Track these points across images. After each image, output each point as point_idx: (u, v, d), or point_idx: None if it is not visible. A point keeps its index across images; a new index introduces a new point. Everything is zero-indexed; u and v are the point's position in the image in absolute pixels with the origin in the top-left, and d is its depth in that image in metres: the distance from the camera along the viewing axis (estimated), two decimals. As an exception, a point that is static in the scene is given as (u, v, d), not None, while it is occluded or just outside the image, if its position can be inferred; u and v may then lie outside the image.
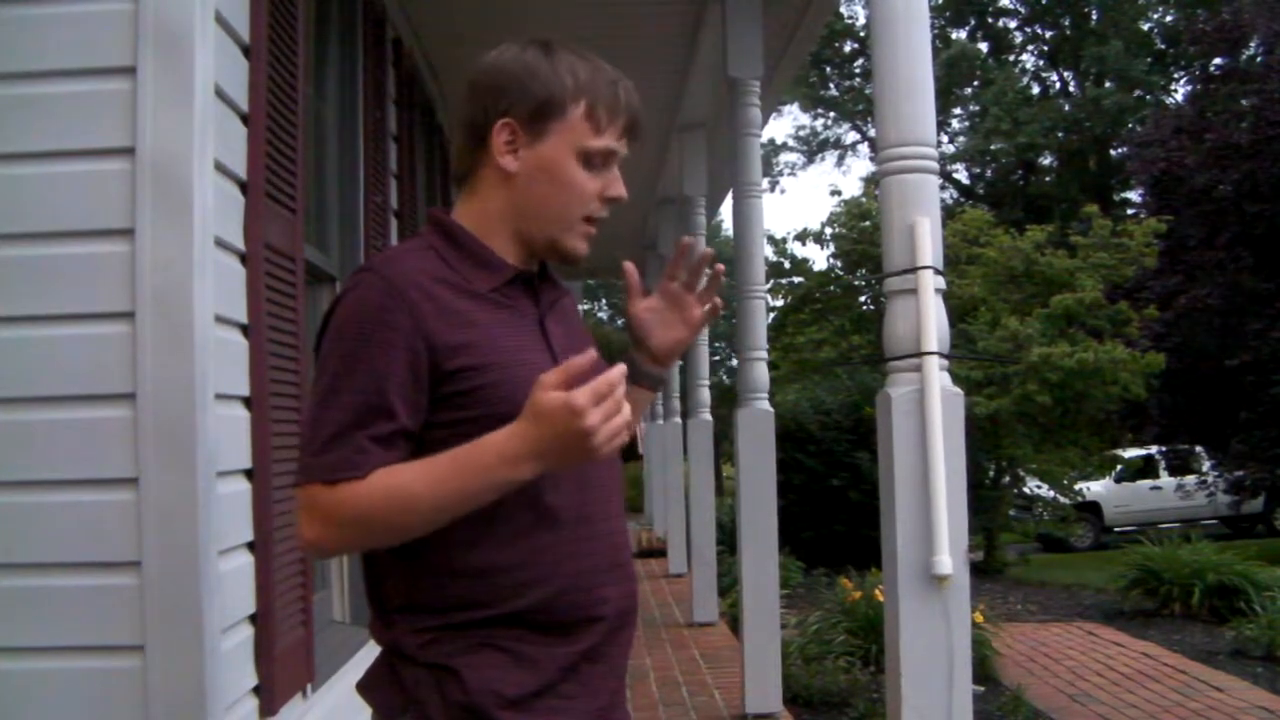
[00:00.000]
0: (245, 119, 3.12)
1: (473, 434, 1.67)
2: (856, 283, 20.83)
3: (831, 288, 21.00)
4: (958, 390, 2.88)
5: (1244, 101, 18.81)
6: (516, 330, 1.80)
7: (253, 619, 3.06)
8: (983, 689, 7.04)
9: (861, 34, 32.41)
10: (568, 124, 1.81)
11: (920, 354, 2.84)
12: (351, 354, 1.71)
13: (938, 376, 2.83)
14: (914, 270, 2.85)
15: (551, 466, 1.65)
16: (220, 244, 2.87)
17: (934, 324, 2.84)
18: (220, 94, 2.89)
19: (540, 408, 1.59)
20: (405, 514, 1.67)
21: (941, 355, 2.86)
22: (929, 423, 2.79)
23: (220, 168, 2.88)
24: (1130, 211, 24.25)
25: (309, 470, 1.70)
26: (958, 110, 33.82)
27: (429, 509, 1.67)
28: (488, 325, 1.76)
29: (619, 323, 49.21)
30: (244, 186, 3.10)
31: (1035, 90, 33.52)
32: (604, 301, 49.31)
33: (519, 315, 1.82)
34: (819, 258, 42.27)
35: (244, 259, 3.08)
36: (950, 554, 2.74)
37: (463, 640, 1.72)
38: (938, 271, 2.88)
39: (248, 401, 3.08)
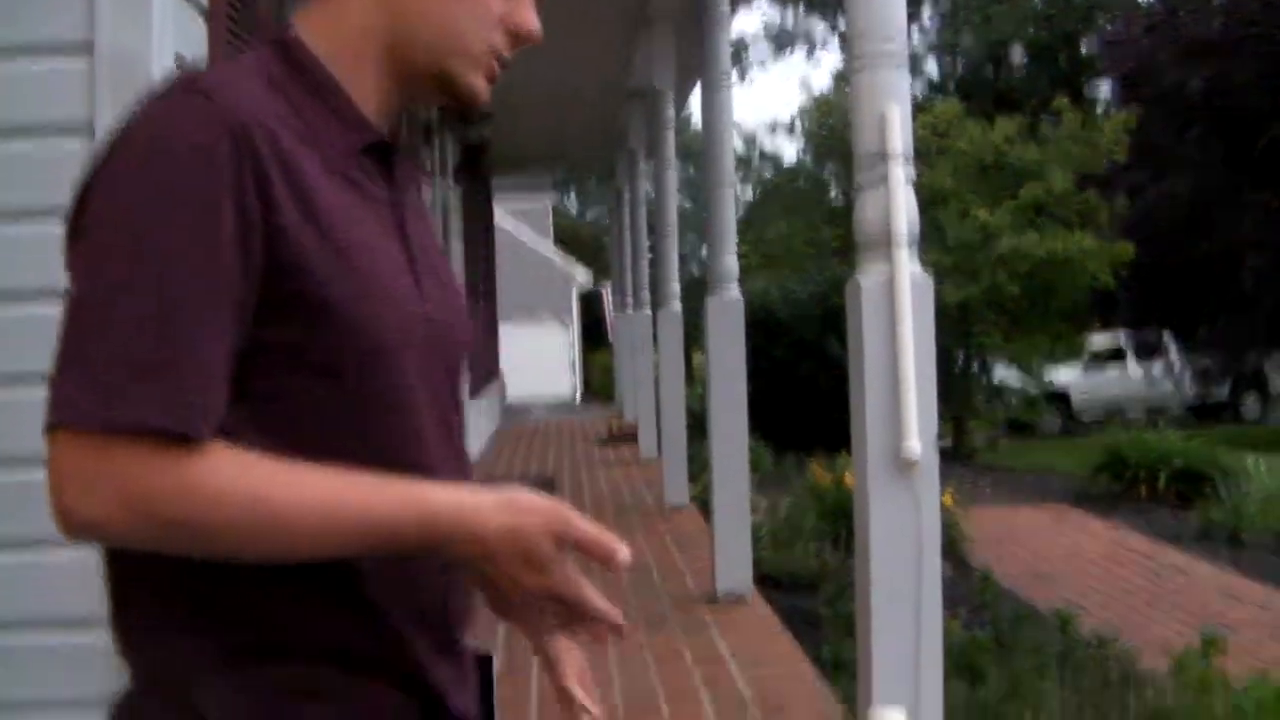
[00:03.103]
0: (205, 14, 3.06)
1: (305, 373, 1.13)
2: (825, 176, 20.79)
3: (800, 182, 20.95)
4: (927, 277, 2.89)
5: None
6: (366, 220, 1.21)
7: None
8: (952, 571, 7.18)
9: (832, -78, 31.86)
10: None
11: (890, 243, 2.84)
12: (159, 224, 1.06)
13: (907, 264, 2.84)
14: (884, 157, 2.84)
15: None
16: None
17: (904, 212, 2.84)
18: (179, -13, 2.83)
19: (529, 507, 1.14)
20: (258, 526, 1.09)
21: (911, 243, 2.87)
22: (898, 310, 2.80)
23: (180, 63, 2.83)
24: (1100, 110, 24.13)
25: (94, 411, 1.03)
26: (928, 7, 33.40)
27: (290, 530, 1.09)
28: (332, 208, 1.16)
29: (587, 217, 48.90)
30: (206, 81, 3.04)
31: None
32: (574, 194, 48.76)
33: (368, 198, 1.23)
34: (789, 151, 42.08)
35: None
36: (919, 439, 2.77)
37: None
38: (908, 160, 2.87)
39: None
